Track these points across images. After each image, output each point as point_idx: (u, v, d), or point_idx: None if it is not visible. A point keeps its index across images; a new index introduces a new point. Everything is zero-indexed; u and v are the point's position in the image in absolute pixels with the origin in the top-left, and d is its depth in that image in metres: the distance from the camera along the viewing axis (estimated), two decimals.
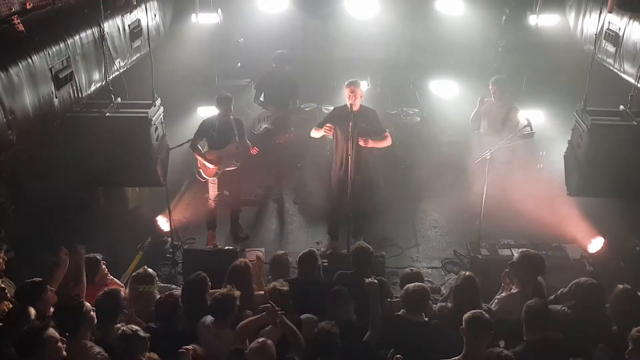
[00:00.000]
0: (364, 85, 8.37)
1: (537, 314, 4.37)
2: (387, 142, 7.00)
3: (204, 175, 7.28)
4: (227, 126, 7.21)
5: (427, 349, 4.30)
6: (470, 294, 4.74)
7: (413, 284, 4.72)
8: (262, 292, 5.03)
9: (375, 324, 4.52)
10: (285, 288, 4.60)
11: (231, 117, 7.23)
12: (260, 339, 4.01)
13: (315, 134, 6.95)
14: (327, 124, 6.69)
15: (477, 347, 4.10)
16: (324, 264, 6.47)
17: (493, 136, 7.37)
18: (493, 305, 5.03)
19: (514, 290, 5.09)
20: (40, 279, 4.57)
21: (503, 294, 5.15)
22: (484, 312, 4.23)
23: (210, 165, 7.12)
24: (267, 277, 5.58)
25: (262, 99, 8.45)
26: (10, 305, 4.40)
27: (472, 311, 4.19)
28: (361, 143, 6.61)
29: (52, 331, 3.75)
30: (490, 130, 7.57)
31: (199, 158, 7.11)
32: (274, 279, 5.28)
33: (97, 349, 4.01)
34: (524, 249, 5.30)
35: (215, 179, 7.29)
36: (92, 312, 4.20)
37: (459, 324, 4.18)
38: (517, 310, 4.57)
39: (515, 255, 5.21)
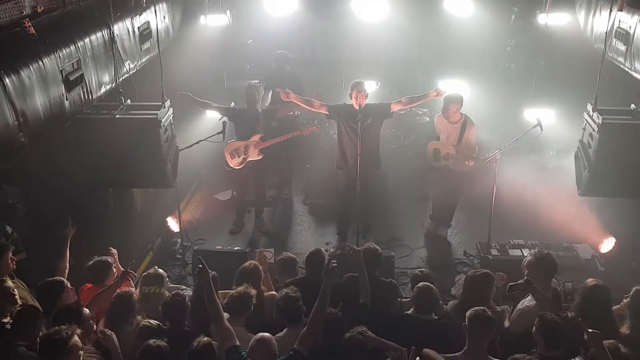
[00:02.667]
0: (372, 86, 8.38)
1: (556, 330, 4.14)
2: (405, 102, 6.98)
3: (231, 165, 7.46)
4: (253, 117, 7.35)
5: (437, 348, 4.29)
6: (482, 290, 4.73)
7: (422, 284, 4.72)
8: (273, 293, 5.04)
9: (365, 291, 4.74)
10: (297, 294, 4.61)
11: (259, 108, 7.45)
12: (259, 334, 4.02)
13: (304, 104, 7.00)
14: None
15: (479, 344, 4.10)
16: (333, 264, 6.47)
17: (452, 149, 7.22)
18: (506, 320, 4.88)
19: (530, 302, 4.79)
20: (61, 278, 4.61)
21: (519, 306, 4.92)
22: (486, 310, 4.21)
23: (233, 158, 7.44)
24: (275, 277, 5.60)
25: (269, 98, 8.51)
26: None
27: (475, 308, 4.19)
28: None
29: (77, 339, 3.78)
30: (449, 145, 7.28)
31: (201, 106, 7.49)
32: (282, 279, 5.29)
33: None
34: (535, 251, 5.03)
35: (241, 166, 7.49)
36: (91, 322, 4.24)
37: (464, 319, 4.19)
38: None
39: (527, 257, 4.96)
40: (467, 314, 4.18)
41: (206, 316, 4.52)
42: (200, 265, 4.40)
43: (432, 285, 4.76)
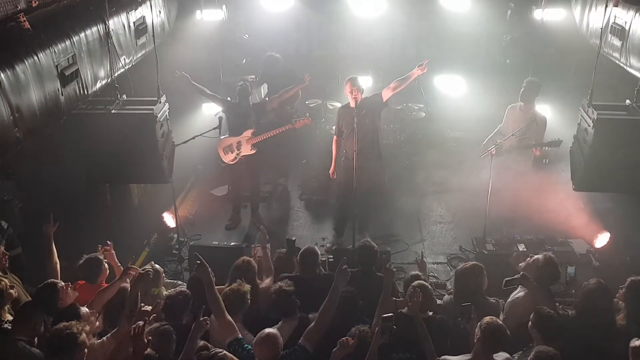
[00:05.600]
0: (368, 81, 8.38)
1: (551, 324, 4.23)
2: (393, 86, 6.84)
3: (225, 161, 7.47)
4: (245, 112, 7.40)
5: (433, 344, 4.30)
6: (473, 282, 4.78)
7: (417, 282, 4.73)
8: (268, 285, 5.05)
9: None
10: (291, 288, 4.61)
11: (251, 103, 7.54)
12: (265, 330, 4.04)
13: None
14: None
15: (488, 353, 4.08)
16: (330, 259, 6.50)
17: (514, 140, 7.16)
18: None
19: (519, 293, 4.94)
20: (53, 279, 4.58)
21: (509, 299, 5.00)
22: (502, 322, 4.17)
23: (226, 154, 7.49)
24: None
25: (265, 88, 8.60)
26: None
27: (490, 318, 4.12)
28: None
29: (85, 336, 3.79)
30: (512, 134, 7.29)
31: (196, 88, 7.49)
32: (278, 275, 5.30)
33: None
34: (547, 254, 5.08)
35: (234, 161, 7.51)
36: (92, 319, 4.24)
37: (458, 311, 4.20)
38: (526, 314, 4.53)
39: (539, 257, 5.01)
40: (481, 323, 4.09)
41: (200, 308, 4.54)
42: (199, 262, 4.39)
43: (427, 284, 4.77)
